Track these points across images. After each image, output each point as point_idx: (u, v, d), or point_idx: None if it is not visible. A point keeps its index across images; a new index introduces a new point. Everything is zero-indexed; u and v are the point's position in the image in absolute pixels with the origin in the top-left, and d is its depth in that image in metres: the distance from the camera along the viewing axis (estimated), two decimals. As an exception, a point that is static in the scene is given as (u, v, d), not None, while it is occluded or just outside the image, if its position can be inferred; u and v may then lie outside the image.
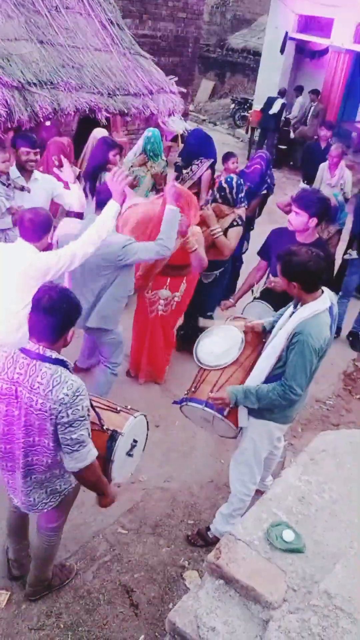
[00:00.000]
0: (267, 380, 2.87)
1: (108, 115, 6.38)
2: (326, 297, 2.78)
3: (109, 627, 2.83)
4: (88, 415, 2.20)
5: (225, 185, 4.37)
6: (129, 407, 2.77)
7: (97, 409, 2.58)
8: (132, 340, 4.62)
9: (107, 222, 3.28)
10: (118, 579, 3.09)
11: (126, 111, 6.58)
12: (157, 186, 5.49)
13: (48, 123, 5.89)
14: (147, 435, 2.84)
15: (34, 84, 5.59)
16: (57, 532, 2.75)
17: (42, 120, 5.63)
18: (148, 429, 2.84)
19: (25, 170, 4.15)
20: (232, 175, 4.66)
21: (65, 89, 5.90)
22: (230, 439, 3.33)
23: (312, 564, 1.85)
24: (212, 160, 5.81)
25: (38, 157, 4.20)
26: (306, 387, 2.82)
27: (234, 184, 4.37)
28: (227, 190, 4.36)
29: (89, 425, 2.23)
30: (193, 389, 3.16)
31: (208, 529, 3.34)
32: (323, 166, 6.49)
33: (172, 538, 3.37)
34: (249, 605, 1.72)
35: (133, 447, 2.68)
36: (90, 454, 2.25)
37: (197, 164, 5.77)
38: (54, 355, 2.19)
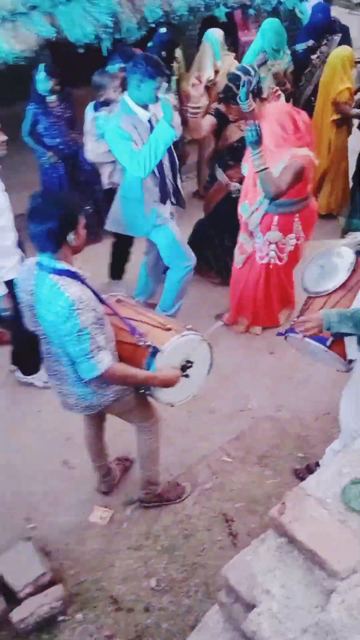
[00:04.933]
0: None
1: (227, 10, 5.74)
2: None
3: (205, 554, 2.80)
4: (88, 330, 2.16)
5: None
6: (189, 326, 2.57)
7: (144, 324, 2.51)
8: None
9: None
10: (219, 506, 3.02)
11: (248, 3, 5.85)
12: (281, 87, 4.87)
13: (163, 29, 5.44)
14: (210, 358, 2.66)
15: (142, -15, 5.16)
16: (148, 430, 2.79)
17: (154, 26, 5.23)
18: (212, 352, 2.65)
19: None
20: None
21: (178, -14, 5.36)
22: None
23: None
24: (341, 34, 5.01)
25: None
26: None
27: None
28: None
29: (98, 338, 2.20)
30: (296, 319, 2.85)
31: (317, 464, 3.10)
32: None
33: (279, 470, 3.20)
34: (313, 570, 1.49)
35: (187, 367, 2.54)
36: (100, 364, 2.23)
37: (326, 43, 5.01)
38: (59, 265, 2.19)
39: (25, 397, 3.77)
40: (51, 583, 2.65)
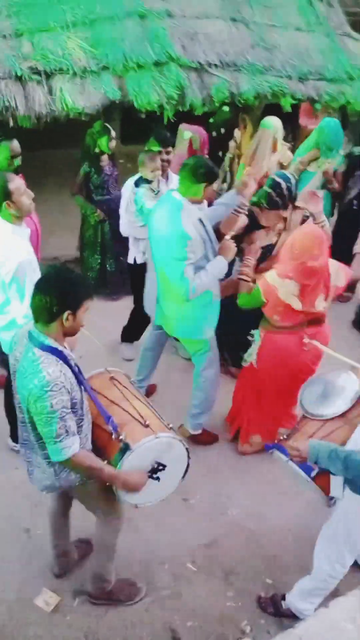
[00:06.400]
0: None
1: (294, 102, 5.84)
2: None
3: (141, 674, 2.59)
4: (58, 413, 2.10)
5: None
6: (169, 425, 2.47)
7: (124, 413, 2.43)
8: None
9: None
10: (169, 620, 2.81)
11: (316, 98, 5.93)
12: (328, 185, 4.87)
13: (226, 108, 5.59)
14: (186, 463, 2.54)
15: (215, 65, 5.29)
16: (107, 524, 2.66)
17: (217, 105, 5.35)
18: (189, 458, 2.54)
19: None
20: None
21: (249, 72, 5.48)
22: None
23: None
24: None
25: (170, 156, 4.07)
26: None
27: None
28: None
29: (68, 423, 2.14)
30: (286, 436, 2.72)
31: (284, 598, 2.86)
32: None
33: (242, 593, 2.96)
34: None
35: (158, 470, 2.41)
36: (66, 450, 2.17)
37: None
38: (47, 341, 2.14)
39: (6, 453, 3.66)
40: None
